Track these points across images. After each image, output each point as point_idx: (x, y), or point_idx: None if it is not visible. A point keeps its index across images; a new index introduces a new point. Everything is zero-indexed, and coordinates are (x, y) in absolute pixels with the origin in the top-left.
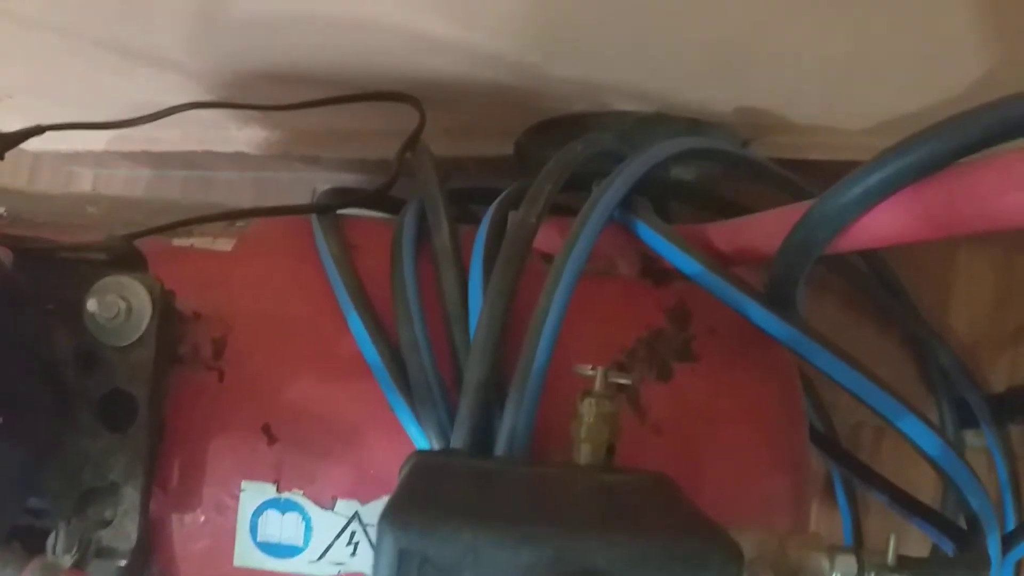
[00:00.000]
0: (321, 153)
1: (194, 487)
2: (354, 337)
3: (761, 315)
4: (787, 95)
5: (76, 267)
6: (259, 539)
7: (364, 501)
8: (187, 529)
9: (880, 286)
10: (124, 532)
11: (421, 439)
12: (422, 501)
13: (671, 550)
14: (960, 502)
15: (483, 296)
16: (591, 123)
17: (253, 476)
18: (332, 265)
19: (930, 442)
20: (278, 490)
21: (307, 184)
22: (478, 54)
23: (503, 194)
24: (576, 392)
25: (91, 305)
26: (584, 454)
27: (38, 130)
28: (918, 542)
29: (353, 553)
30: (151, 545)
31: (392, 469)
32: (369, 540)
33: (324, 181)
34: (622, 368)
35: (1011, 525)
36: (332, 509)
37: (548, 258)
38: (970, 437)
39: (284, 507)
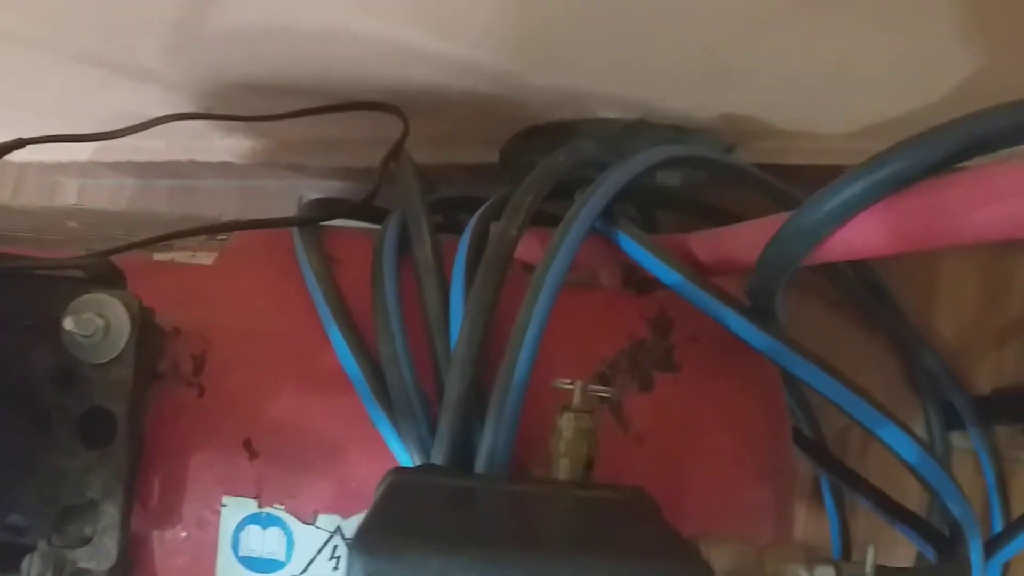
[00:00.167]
0: (306, 162)
1: (175, 503)
2: (335, 351)
3: (740, 325)
4: (770, 101)
5: (53, 284)
6: (241, 554)
7: (346, 515)
8: (168, 545)
9: (866, 290)
10: (104, 550)
11: (402, 454)
12: (393, 524)
13: (641, 573)
14: (941, 509)
15: (464, 310)
16: (576, 130)
17: (234, 491)
18: (313, 279)
19: (910, 450)
20: (259, 505)
21: (293, 192)
22: (459, 64)
23: (484, 205)
24: (559, 406)
25: (68, 323)
26: (563, 469)
27: (19, 143)
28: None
29: (335, 567)
30: (132, 562)
31: (373, 483)
32: None
33: (310, 189)
34: (604, 379)
35: (998, 527)
36: (314, 524)
37: (530, 269)
38: (957, 439)
39: (266, 522)
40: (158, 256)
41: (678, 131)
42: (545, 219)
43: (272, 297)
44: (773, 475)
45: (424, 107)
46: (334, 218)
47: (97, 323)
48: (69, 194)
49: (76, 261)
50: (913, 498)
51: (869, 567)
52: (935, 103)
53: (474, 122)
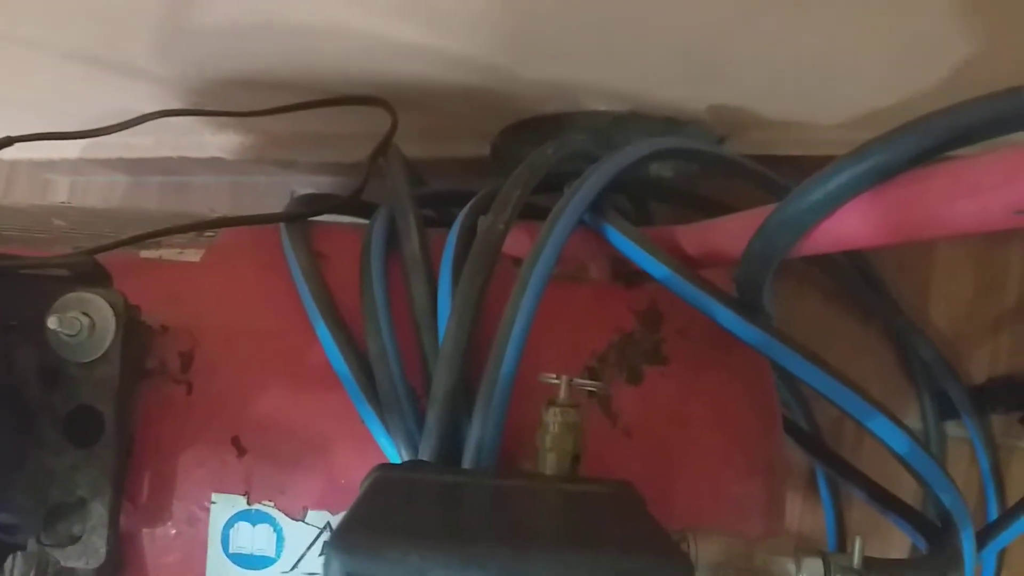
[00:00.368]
0: (297, 157)
1: (164, 501)
2: (323, 348)
3: (728, 318)
4: (760, 92)
5: (38, 283)
6: (231, 551)
7: (335, 511)
8: (158, 543)
9: (861, 281)
10: (93, 548)
11: (390, 449)
12: (373, 522)
13: (620, 567)
14: (933, 500)
15: (451, 305)
16: (566, 123)
17: (223, 488)
18: (300, 275)
19: (900, 441)
20: (249, 502)
21: (284, 188)
22: (449, 57)
23: (473, 199)
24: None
25: (52, 322)
26: (549, 464)
27: (8, 141)
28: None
29: None
30: (122, 560)
31: (362, 479)
32: None
33: (301, 184)
34: (593, 373)
35: (994, 516)
36: (303, 520)
37: (519, 262)
38: (952, 428)
39: (255, 519)
40: (145, 254)
41: (669, 123)
42: (535, 212)
43: (260, 294)
44: (763, 469)
45: (414, 101)
46: (322, 214)
47: (82, 322)
48: (60, 191)
49: (61, 260)
50: (908, 489)
51: (857, 558)
52: (926, 93)
53: (464, 115)
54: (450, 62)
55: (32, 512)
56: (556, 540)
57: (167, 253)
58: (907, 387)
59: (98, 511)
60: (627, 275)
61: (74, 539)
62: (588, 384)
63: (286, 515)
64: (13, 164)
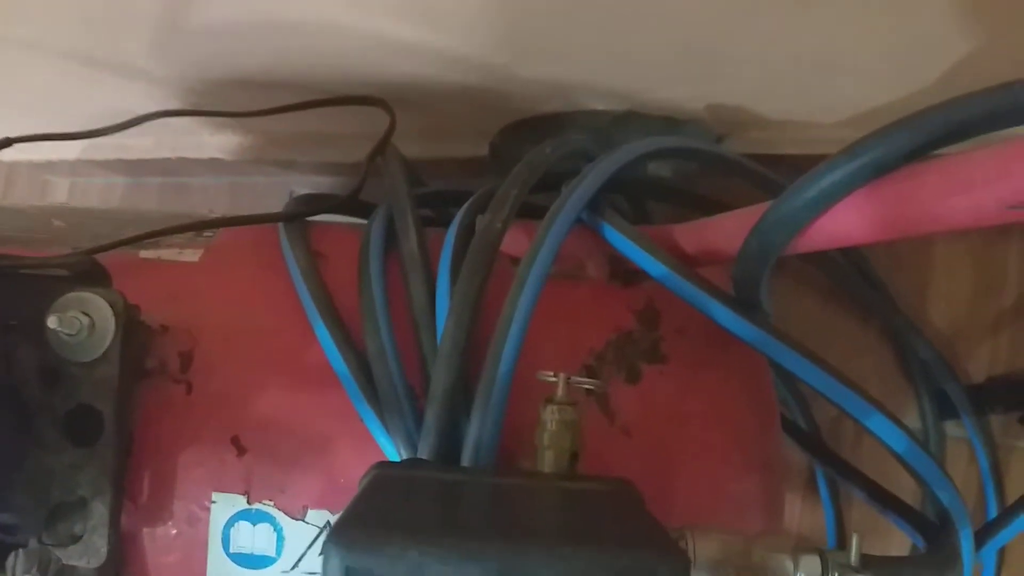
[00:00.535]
0: (296, 157)
1: (165, 500)
2: (322, 347)
3: (726, 316)
4: (759, 91)
5: (38, 283)
6: (231, 550)
7: (335, 510)
8: (159, 542)
9: (860, 280)
10: (94, 547)
11: (389, 448)
12: (372, 518)
13: (617, 563)
14: (931, 498)
15: (450, 304)
16: (565, 122)
17: (223, 488)
18: (299, 275)
19: (898, 439)
20: (249, 501)
21: (283, 188)
22: (448, 57)
23: (471, 199)
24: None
25: (52, 322)
26: (548, 462)
27: (6, 143)
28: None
29: None
30: (123, 559)
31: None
32: None
33: (300, 184)
34: (591, 371)
35: (993, 514)
36: (303, 519)
37: (517, 261)
38: (951, 428)
39: (255, 518)
40: (145, 254)
41: (668, 122)
42: (533, 211)
43: (259, 293)
44: (761, 466)
45: (412, 100)
46: (320, 213)
47: (82, 321)
48: (59, 192)
49: (60, 260)
50: (908, 488)
51: (854, 556)
52: (924, 91)
53: (463, 115)
54: (448, 61)
55: (33, 512)
56: (554, 536)
57: (166, 253)
58: (906, 387)
59: (99, 510)
60: (625, 274)
61: (75, 538)
62: (586, 382)
63: (286, 514)
64: (12, 165)
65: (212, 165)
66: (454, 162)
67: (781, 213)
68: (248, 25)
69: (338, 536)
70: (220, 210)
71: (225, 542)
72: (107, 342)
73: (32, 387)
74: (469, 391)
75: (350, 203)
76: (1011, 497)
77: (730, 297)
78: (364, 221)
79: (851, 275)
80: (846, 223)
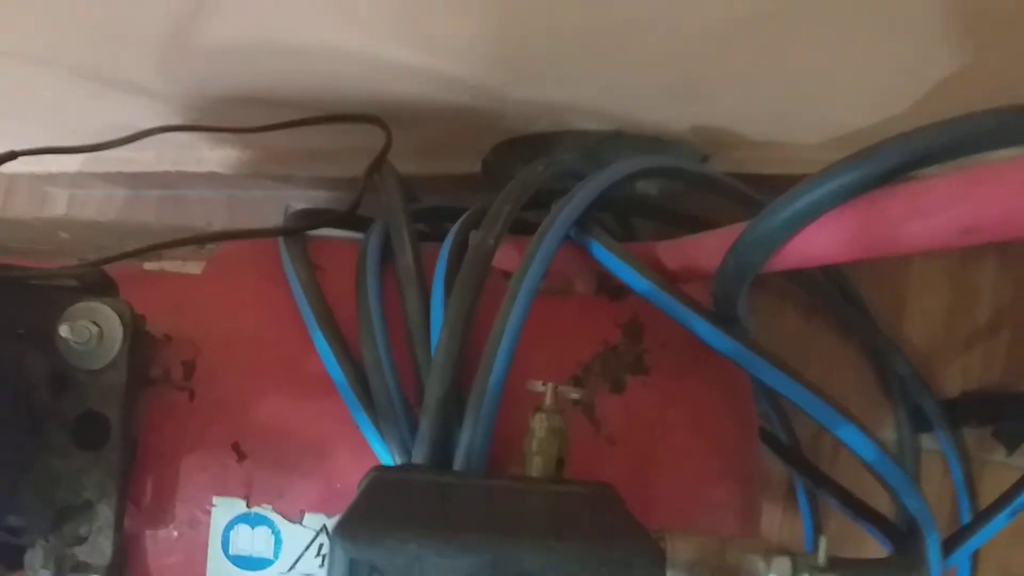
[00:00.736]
0: (293, 172)
1: (167, 503)
2: (320, 357)
3: (705, 329)
4: (740, 114)
5: (48, 293)
6: (231, 553)
7: (331, 514)
8: (161, 544)
9: (839, 297)
10: (99, 548)
11: (384, 454)
12: (373, 514)
13: (598, 555)
14: (899, 505)
15: (443, 317)
16: (555, 141)
17: (224, 492)
18: (298, 287)
19: (867, 449)
20: (248, 505)
21: (280, 202)
22: (443, 79)
23: (464, 215)
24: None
25: (63, 330)
26: (535, 467)
27: (11, 156)
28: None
29: (321, 564)
30: (126, 560)
31: (357, 483)
32: None
33: (297, 198)
34: (578, 382)
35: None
36: (300, 523)
37: (509, 276)
38: (927, 441)
39: (254, 521)
40: (148, 266)
41: (654, 142)
42: (524, 228)
43: (259, 305)
44: (738, 474)
45: (408, 119)
46: (318, 228)
47: (91, 330)
48: (59, 204)
49: (70, 271)
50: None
51: (821, 556)
52: (899, 115)
53: (457, 133)
54: (444, 83)
55: (40, 513)
56: (540, 531)
57: (169, 265)
58: (884, 401)
59: (104, 513)
60: (611, 289)
61: (81, 540)
62: (573, 392)
63: (284, 518)
64: (13, 177)
65: (211, 179)
66: (448, 178)
67: (756, 234)
68: (252, 47)
69: (343, 531)
70: (218, 222)
71: (225, 544)
72: (115, 350)
73: (41, 393)
74: (461, 400)
75: (348, 218)
76: None
77: (709, 312)
78: (361, 235)
79: (831, 293)
80: (817, 244)
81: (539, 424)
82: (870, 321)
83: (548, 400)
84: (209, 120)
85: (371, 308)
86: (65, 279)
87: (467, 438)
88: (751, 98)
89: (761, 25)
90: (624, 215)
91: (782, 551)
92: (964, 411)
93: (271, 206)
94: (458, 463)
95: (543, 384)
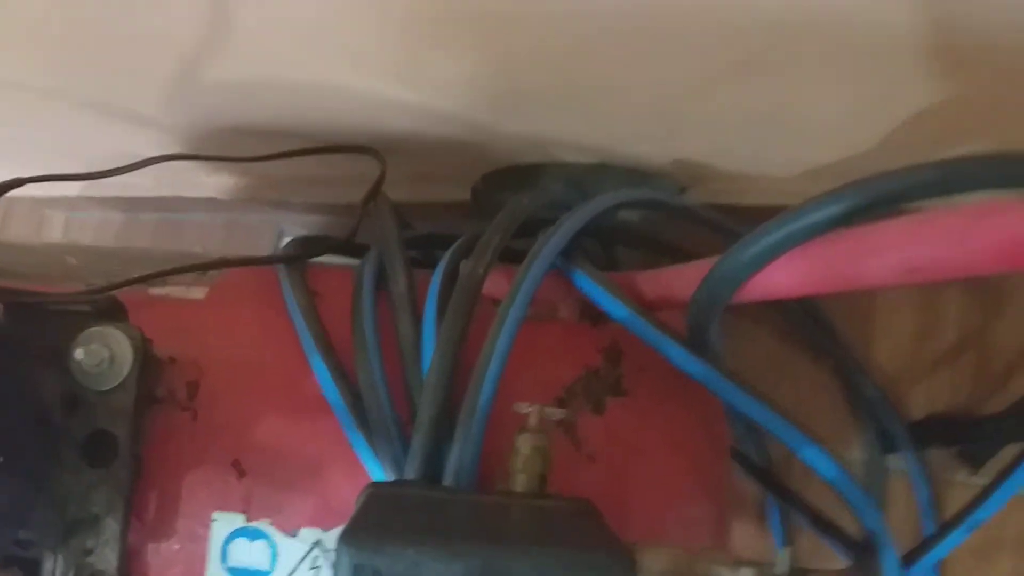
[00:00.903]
0: (289, 198)
1: (169, 518)
2: (317, 379)
3: (679, 355)
4: (717, 149)
5: (62, 317)
6: (229, 565)
7: (326, 529)
8: (162, 556)
9: (811, 323)
10: (105, 560)
11: (378, 472)
12: (374, 524)
13: (577, 562)
14: (857, 521)
15: (435, 342)
16: (541, 171)
17: (224, 507)
18: (297, 312)
19: (828, 467)
20: (247, 520)
21: (275, 226)
22: (435, 114)
23: (455, 244)
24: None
25: (78, 354)
26: (520, 483)
27: (17, 183)
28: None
29: None
30: (129, 571)
31: (351, 500)
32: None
33: (291, 223)
34: (561, 403)
35: None
36: (296, 537)
37: (497, 302)
38: (894, 461)
39: (252, 535)
40: (154, 291)
41: (636, 174)
42: (512, 255)
43: (259, 329)
44: (710, 491)
45: (402, 150)
46: (319, 255)
47: (104, 354)
48: (56, 227)
49: (84, 297)
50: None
51: (782, 567)
52: (865, 152)
53: (448, 164)
54: (437, 118)
55: (50, 528)
56: (526, 540)
57: (174, 291)
58: (853, 422)
59: (111, 526)
60: (593, 315)
61: (88, 552)
62: (556, 413)
63: (281, 532)
64: (11, 200)
65: (208, 204)
66: (439, 205)
67: (724, 269)
68: (255, 84)
69: (347, 539)
70: (213, 246)
71: (224, 557)
72: (125, 373)
73: (55, 412)
74: (452, 419)
75: (345, 246)
76: None
77: (683, 339)
78: (357, 262)
79: (804, 319)
80: (779, 280)
81: (524, 443)
82: (840, 346)
83: (533, 420)
84: (210, 148)
85: (366, 332)
86: (80, 304)
87: (457, 455)
88: (726, 135)
89: (735, 72)
90: (608, 244)
91: (748, 562)
92: (930, 433)
93: (266, 231)
94: (448, 479)
95: (528, 406)
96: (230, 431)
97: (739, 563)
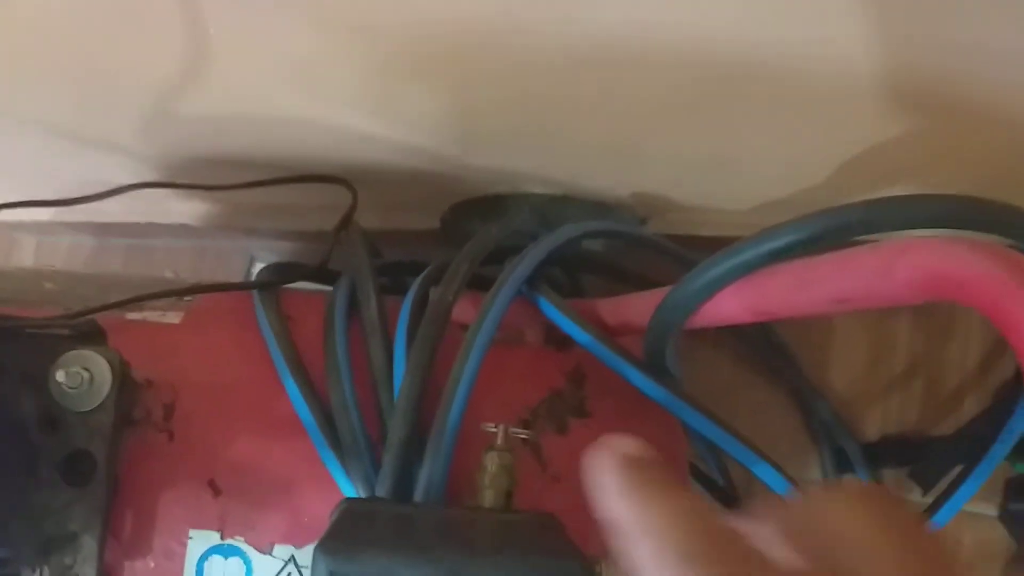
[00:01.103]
0: (260, 225)
1: (145, 536)
2: (290, 400)
3: (637, 378)
4: (672, 183)
5: (43, 340)
6: None
7: (299, 546)
8: (139, 574)
9: (768, 347)
10: None
11: (350, 490)
12: (348, 535)
13: (539, 565)
14: None
15: (405, 366)
16: (507, 202)
17: (199, 525)
18: (271, 336)
19: (779, 484)
20: (222, 537)
21: (244, 252)
22: (405, 147)
23: (424, 272)
24: (486, 446)
25: (59, 376)
26: (487, 499)
27: None
28: None
29: None
30: None
31: (323, 517)
32: None
33: (261, 249)
34: (526, 424)
35: None
36: (270, 553)
37: (465, 328)
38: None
39: (227, 552)
40: (131, 315)
41: (598, 205)
42: (480, 282)
43: (234, 353)
44: None
45: (373, 180)
46: (293, 282)
47: (83, 376)
48: (26, 251)
49: (64, 320)
50: None
51: None
52: (813, 187)
53: (417, 194)
54: (406, 150)
55: (27, 545)
56: (492, 548)
57: (150, 315)
58: (810, 444)
59: (89, 544)
60: (558, 340)
61: (67, 569)
62: (522, 433)
63: (255, 549)
64: None
65: (179, 230)
66: (409, 233)
67: (677, 297)
68: (230, 116)
69: (323, 548)
70: (184, 271)
71: (199, 574)
72: (104, 394)
73: (33, 433)
74: (421, 439)
75: (317, 272)
76: None
77: (641, 362)
78: (329, 288)
79: (761, 343)
80: (725, 308)
81: (491, 461)
82: (796, 370)
83: (499, 440)
84: (183, 176)
85: (338, 356)
86: (59, 328)
87: (427, 473)
88: (678, 170)
89: (688, 112)
90: (572, 271)
91: None
92: (883, 454)
93: (236, 256)
94: (418, 495)
95: (495, 426)
96: (205, 451)
97: None
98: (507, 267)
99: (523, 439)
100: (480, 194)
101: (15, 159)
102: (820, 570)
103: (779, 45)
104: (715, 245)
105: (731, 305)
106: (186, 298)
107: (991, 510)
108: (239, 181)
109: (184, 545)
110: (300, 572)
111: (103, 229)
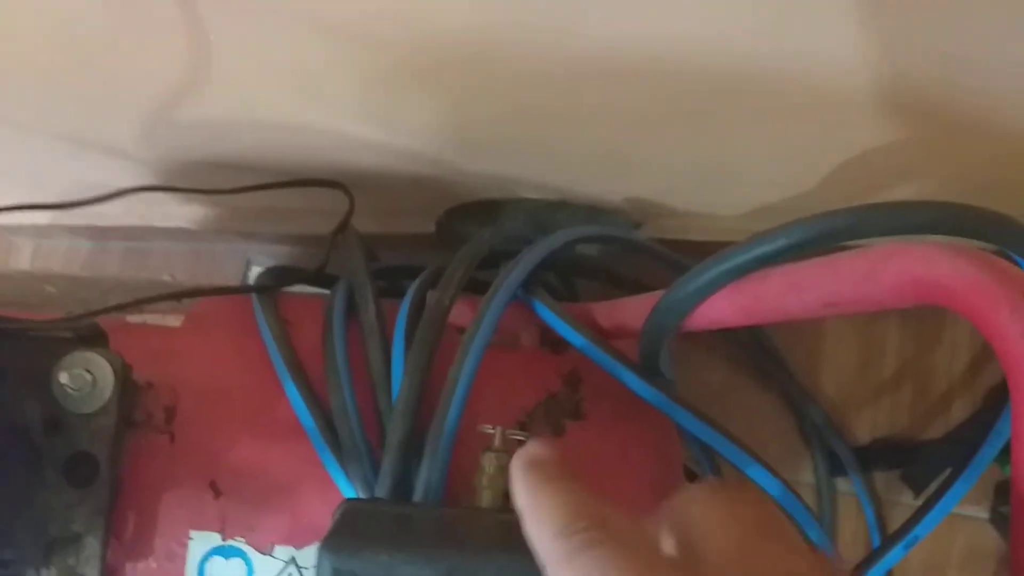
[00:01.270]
0: (257, 229)
1: (147, 537)
2: (290, 403)
3: (632, 380)
4: (665, 189)
5: (46, 343)
6: None
7: (299, 547)
8: (140, 575)
9: (761, 351)
10: None
11: (349, 492)
12: (351, 534)
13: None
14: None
15: (403, 368)
16: (502, 207)
17: (200, 526)
18: (270, 339)
19: (772, 485)
20: (223, 538)
21: (241, 255)
22: (401, 153)
23: (421, 276)
24: (483, 447)
25: (63, 378)
26: (485, 499)
27: None
28: None
29: None
30: None
31: (323, 519)
32: None
33: (258, 252)
34: (523, 426)
35: None
36: (271, 554)
37: (462, 331)
38: (842, 484)
39: (228, 553)
40: (131, 318)
41: (592, 210)
42: (476, 286)
43: (234, 355)
44: None
45: (370, 184)
46: (291, 285)
47: (86, 378)
48: (23, 254)
49: (66, 324)
50: None
51: None
52: (805, 193)
53: (414, 198)
54: (403, 156)
55: (32, 547)
56: (490, 546)
57: (151, 318)
58: (802, 447)
59: (92, 544)
60: (553, 343)
61: (69, 570)
62: (519, 434)
63: (256, 550)
64: None
65: (176, 233)
66: (405, 237)
67: (670, 301)
68: (229, 121)
69: (327, 546)
70: (181, 274)
71: (200, 574)
72: (106, 397)
73: (37, 435)
74: (420, 441)
75: (316, 276)
76: None
77: (636, 365)
78: (327, 292)
79: (753, 348)
80: (719, 311)
81: (489, 462)
82: (788, 374)
83: (497, 441)
84: (181, 180)
85: (337, 359)
86: (62, 331)
87: (425, 475)
88: (671, 176)
89: (681, 120)
90: (567, 275)
91: None
92: (874, 457)
93: (232, 259)
94: (417, 497)
95: (492, 427)
96: (206, 453)
97: None
98: (503, 271)
99: (519, 440)
100: (476, 199)
101: (14, 162)
102: (677, 542)
103: (770, 57)
104: (708, 250)
105: (724, 308)
106: (186, 301)
107: (983, 513)
108: (237, 185)
109: (185, 546)
110: (300, 573)
111: (100, 232)
